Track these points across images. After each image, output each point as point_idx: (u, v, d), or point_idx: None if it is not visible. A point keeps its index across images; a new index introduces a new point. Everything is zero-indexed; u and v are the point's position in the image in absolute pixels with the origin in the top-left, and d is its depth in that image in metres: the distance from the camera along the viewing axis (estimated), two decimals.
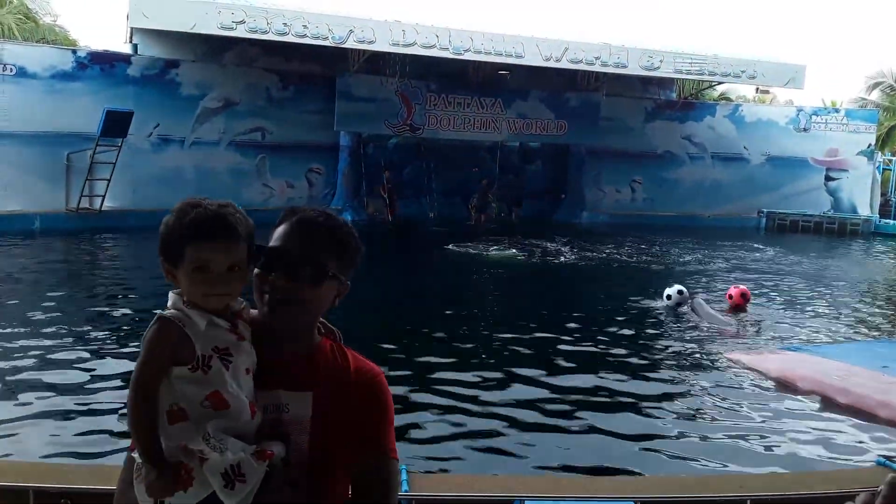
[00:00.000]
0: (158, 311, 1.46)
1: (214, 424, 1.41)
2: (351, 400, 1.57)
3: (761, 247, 17.62)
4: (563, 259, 14.35)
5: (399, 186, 21.16)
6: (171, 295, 1.49)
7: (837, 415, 5.72)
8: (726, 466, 4.70)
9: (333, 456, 1.55)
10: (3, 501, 2.59)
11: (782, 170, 23.55)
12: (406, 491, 2.87)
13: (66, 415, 5.11)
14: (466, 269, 13.00)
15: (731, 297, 9.74)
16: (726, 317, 9.15)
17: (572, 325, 8.73)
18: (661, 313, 9.39)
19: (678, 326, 8.72)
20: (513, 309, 9.74)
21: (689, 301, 9.59)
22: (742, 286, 9.95)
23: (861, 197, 23.93)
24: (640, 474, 4.51)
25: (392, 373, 6.39)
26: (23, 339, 6.92)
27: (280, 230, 1.55)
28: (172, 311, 1.46)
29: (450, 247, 14.98)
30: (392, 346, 7.33)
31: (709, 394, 6.25)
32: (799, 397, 6.15)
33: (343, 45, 16.22)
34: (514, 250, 14.86)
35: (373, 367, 1.64)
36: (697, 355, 7.44)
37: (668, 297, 9.80)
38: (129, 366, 6.13)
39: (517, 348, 7.52)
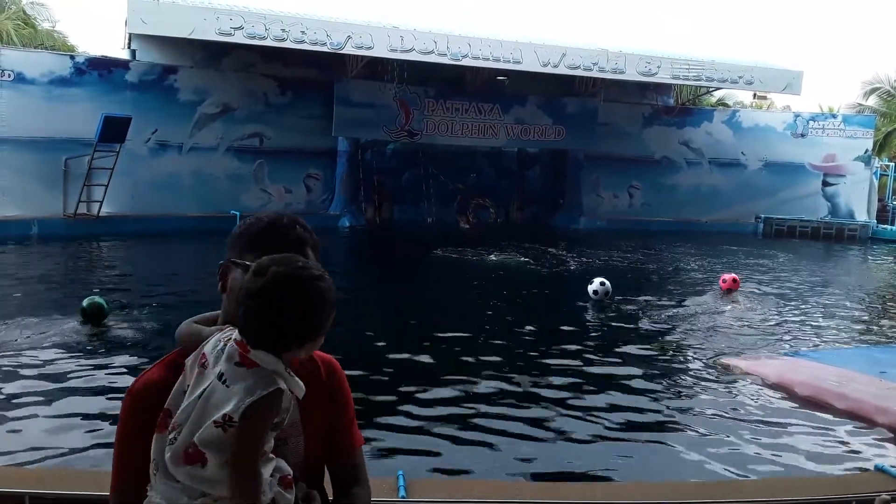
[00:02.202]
0: (275, 387, 1.35)
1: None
2: (326, 397, 1.61)
3: (775, 252, 17.63)
4: (558, 263, 14.34)
5: (397, 192, 21.22)
6: (265, 357, 1.37)
7: (835, 420, 5.71)
8: (724, 471, 4.68)
9: (322, 453, 1.60)
10: None
11: (780, 175, 23.61)
12: (403, 496, 2.87)
13: (62, 421, 5.10)
14: (453, 274, 13.03)
15: (724, 281, 10.82)
16: None
17: (568, 329, 8.73)
18: (659, 318, 9.39)
19: (676, 332, 8.72)
20: (507, 313, 9.73)
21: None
22: (733, 273, 11.07)
23: (858, 202, 23.97)
24: (637, 480, 4.50)
25: (388, 377, 6.39)
26: (19, 344, 6.90)
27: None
28: (278, 378, 1.37)
29: (437, 252, 15.01)
30: (386, 352, 7.32)
31: (706, 399, 6.24)
32: (797, 403, 6.14)
33: (341, 51, 16.25)
34: (504, 255, 14.85)
35: (335, 362, 1.68)
36: (695, 361, 7.43)
37: (595, 292, 10.05)
38: (125, 371, 6.14)
39: (514, 353, 7.51)
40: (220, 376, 1.37)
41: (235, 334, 1.40)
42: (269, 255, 1.44)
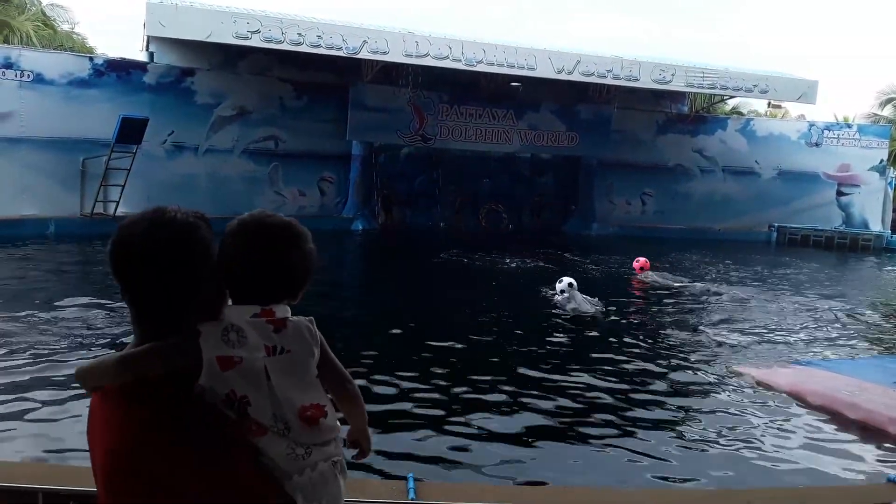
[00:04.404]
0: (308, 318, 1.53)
1: None
2: None
3: (789, 261, 17.56)
4: (575, 269, 14.30)
5: (410, 196, 21.28)
6: (286, 308, 1.51)
7: (847, 431, 5.68)
8: (734, 480, 4.68)
9: None
10: (12, 503, 2.61)
11: (794, 184, 23.48)
12: (413, 499, 2.88)
13: (76, 416, 5.14)
14: (464, 278, 13.05)
15: (636, 269, 12.83)
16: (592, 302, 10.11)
17: (578, 335, 8.72)
18: (672, 325, 9.36)
19: (688, 339, 8.69)
20: (519, 317, 9.73)
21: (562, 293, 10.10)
22: (642, 259, 13.01)
23: (873, 213, 23.80)
24: (647, 486, 4.50)
25: (398, 379, 6.41)
26: (35, 341, 6.97)
27: None
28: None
29: (449, 256, 15.06)
30: (396, 354, 7.34)
31: (717, 407, 6.23)
32: (808, 412, 6.11)
33: (356, 56, 16.31)
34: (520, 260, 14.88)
35: None
36: (707, 368, 7.41)
37: (562, 291, 10.07)
38: None
39: (525, 357, 7.51)
40: (273, 351, 1.45)
41: (246, 314, 1.46)
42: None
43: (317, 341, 1.51)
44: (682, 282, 12.75)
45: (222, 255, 1.47)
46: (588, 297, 10.18)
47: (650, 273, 12.83)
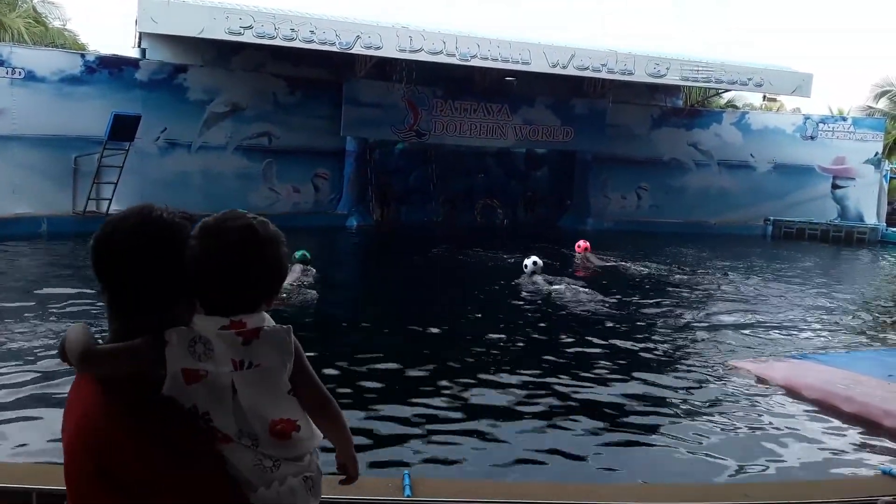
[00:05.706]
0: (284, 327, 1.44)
1: None
2: None
3: (784, 254, 17.61)
4: (568, 265, 14.30)
5: (405, 192, 21.25)
6: (261, 317, 1.42)
7: (842, 423, 5.69)
8: (730, 474, 4.68)
9: None
10: (6, 503, 2.60)
11: (789, 177, 23.51)
12: (409, 495, 2.87)
13: None
14: (460, 274, 13.05)
15: (578, 247, 13.69)
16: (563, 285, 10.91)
17: (575, 330, 8.71)
18: (668, 319, 9.36)
19: (684, 333, 8.70)
20: (514, 313, 9.72)
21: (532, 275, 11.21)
22: (584, 242, 13.83)
23: (868, 205, 23.85)
24: (643, 481, 4.50)
25: (394, 376, 6.40)
26: (27, 340, 6.94)
27: None
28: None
29: (444, 252, 15.07)
30: (392, 351, 7.33)
31: (713, 401, 6.23)
32: (804, 405, 6.12)
33: (350, 51, 16.26)
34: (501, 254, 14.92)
35: None
36: (702, 362, 7.42)
37: (525, 266, 11.35)
38: None
39: (521, 353, 7.51)
40: (241, 365, 1.36)
41: (214, 325, 1.37)
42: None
43: (290, 353, 1.41)
44: (616, 262, 13.89)
45: (187, 260, 1.38)
46: (552, 277, 11.23)
47: (589, 255, 13.71)
